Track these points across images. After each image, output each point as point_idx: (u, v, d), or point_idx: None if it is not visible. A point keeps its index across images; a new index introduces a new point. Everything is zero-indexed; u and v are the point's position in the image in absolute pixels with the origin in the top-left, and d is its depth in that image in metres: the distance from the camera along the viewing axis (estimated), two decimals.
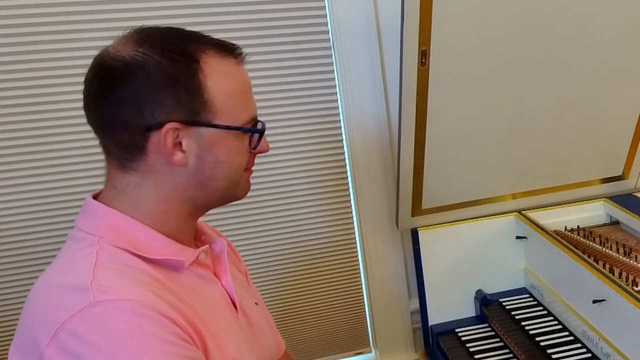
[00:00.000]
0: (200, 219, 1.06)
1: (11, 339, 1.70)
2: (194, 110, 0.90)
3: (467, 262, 1.75)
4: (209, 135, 0.92)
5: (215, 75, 0.91)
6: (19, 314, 1.67)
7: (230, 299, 1.01)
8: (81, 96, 0.96)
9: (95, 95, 0.91)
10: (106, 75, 0.90)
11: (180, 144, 0.90)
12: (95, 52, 0.99)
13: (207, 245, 1.01)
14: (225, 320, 0.97)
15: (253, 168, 1.03)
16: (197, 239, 1.04)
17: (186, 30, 0.95)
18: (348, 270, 1.88)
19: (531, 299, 1.71)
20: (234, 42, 0.97)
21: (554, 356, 1.44)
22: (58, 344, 0.80)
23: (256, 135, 0.97)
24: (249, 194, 1.05)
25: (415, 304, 1.87)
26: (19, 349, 0.86)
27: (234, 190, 0.99)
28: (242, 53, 0.96)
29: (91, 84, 0.92)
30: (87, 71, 0.94)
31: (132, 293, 0.83)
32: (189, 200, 0.95)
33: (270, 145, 1.09)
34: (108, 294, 0.81)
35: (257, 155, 1.01)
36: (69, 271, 0.87)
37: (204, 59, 0.91)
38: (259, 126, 0.98)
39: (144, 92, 0.88)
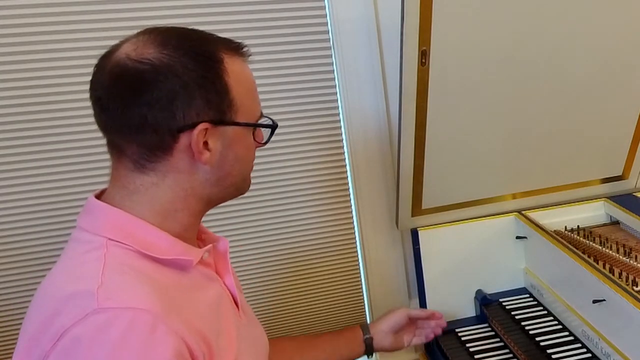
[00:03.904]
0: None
1: (11, 338, 1.71)
2: (221, 110, 0.93)
3: (467, 262, 1.75)
4: (232, 133, 0.95)
5: (234, 74, 0.94)
6: (18, 313, 1.68)
7: (233, 297, 1.02)
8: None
9: (121, 99, 0.89)
10: (133, 78, 0.89)
11: (206, 143, 0.92)
12: (95, 52, 0.98)
13: (211, 245, 1.01)
14: (228, 319, 0.98)
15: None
16: (197, 237, 1.04)
17: (198, 31, 0.97)
18: (348, 270, 1.88)
19: (531, 299, 1.71)
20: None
21: (554, 356, 1.44)
22: (60, 348, 0.80)
23: (266, 130, 1.03)
24: (248, 194, 1.06)
25: (415, 304, 1.87)
26: (24, 352, 0.85)
27: (243, 185, 1.03)
28: (248, 50, 0.99)
29: (114, 88, 0.90)
30: (97, 75, 0.92)
31: (139, 301, 0.83)
32: (205, 197, 0.97)
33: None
34: (113, 301, 0.81)
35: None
36: (76, 275, 0.87)
37: (225, 60, 0.93)
38: (266, 121, 1.03)
39: (174, 94, 0.89)
